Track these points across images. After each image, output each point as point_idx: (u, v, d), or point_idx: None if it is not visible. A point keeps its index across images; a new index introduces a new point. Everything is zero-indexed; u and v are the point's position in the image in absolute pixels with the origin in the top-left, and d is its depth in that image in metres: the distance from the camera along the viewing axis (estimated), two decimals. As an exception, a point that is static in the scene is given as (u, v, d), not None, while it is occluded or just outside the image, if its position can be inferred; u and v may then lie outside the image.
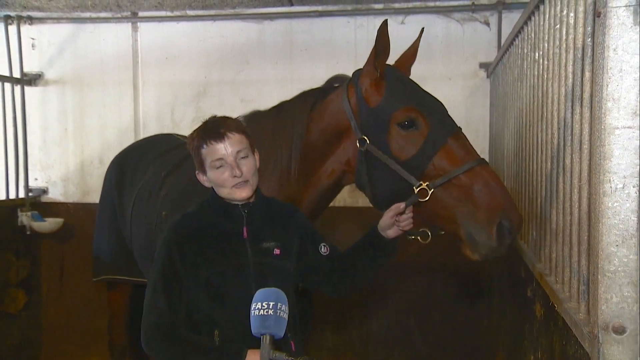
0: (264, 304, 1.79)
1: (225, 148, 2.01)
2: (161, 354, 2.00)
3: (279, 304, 1.80)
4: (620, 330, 1.35)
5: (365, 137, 2.38)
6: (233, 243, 2.09)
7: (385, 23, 2.37)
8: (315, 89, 2.78)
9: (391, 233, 2.19)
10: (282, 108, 2.78)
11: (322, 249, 2.25)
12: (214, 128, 2.04)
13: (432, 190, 2.17)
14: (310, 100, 2.68)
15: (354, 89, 2.51)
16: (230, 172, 2.01)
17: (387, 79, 2.44)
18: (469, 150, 2.28)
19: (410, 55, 2.72)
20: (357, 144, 2.41)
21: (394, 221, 2.17)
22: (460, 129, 2.35)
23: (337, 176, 2.60)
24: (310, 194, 2.66)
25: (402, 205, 2.14)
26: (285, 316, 1.81)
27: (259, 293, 1.84)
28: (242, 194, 2.05)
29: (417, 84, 2.51)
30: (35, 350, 4.86)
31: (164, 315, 1.98)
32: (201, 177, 2.12)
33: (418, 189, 2.18)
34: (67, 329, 4.84)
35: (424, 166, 2.23)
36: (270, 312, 1.78)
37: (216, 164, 2.02)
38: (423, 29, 2.74)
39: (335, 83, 2.74)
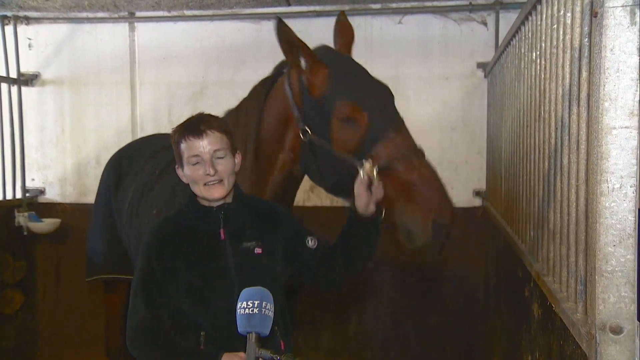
0: (249, 303, 1.80)
1: (203, 145, 2.01)
2: (143, 356, 2.03)
3: (263, 302, 1.80)
4: (617, 330, 1.35)
5: (308, 128, 2.41)
6: (211, 245, 2.09)
7: (279, 23, 2.43)
8: (267, 77, 2.76)
9: (370, 208, 2.11)
10: (241, 103, 2.78)
11: (310, 242, 2.23)
12: (195, 124, 2.05)
13: (375, 168, 2.10)
14: (263, 90, 2.67)
15: (297, 76, 2.49)
16: (204, 169, 2.02)
17: (330, 66, 2.43)
18: (408, 144, 2.31)
19: (349, 36, 2.77)
20: (300, 135, 2.42)
21: (366, 193, 2.08)
22: (402, 121, 2.38)
23: (287, 169, 2.59)
24: (268, 191, 2.63)
25: (361, 175, 2.07)
26: (271, 314, 1.81)
27: (244, 292, 1.85)
28: (214, 193, 2.05)
29: (361, 69, 2.50)
30: (31, 351, 4.85)
31: (144, 320, 2.01)
32: (180, 172, 2.13)
33: (362, 166, 2.11)
34: (63, 330, 4.83)
35: (363, 158, 2.20)
36: (255, 310, 1.78)
37: (192, 160, 2.03)
38: (343, 12, 2.84)
39: (283, 68, 2.69)
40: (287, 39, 2.43)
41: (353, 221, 2.17)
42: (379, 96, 2.41)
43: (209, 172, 2.01)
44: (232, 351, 1.91)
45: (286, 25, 2.42)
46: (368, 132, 2.30)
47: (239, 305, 1.82)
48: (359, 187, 2.08)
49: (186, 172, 2.07)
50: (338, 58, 2.54)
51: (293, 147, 2.51)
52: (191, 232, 2.10)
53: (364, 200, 2.08)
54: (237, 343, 1.84)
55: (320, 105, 2.40)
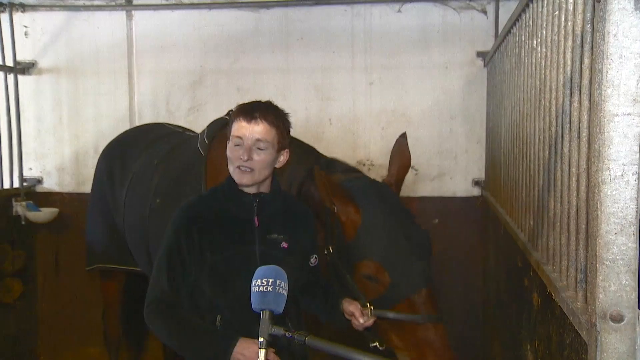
0: (263, 281, 1.83)
1: (249, 130, 2.04)
2: (159, 328, 2.07)
3: (278, 280, 1.84)
4: (618, 319, 1.34)
5: (331, 249, 2.49)
6: (243, 231, 2.13)
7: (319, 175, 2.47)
8: (312, 156, 2.83)
9: (346, 315, 2.34)
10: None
11: (312, 260, 2.35)
12: (251, 109, 2.09)
13: (374, 317, 2.30)
14: (304, 168, 2.71)
15: (333, 214, 2.52)
16: (241, 153, 2.04)
17: (366, 214, 2.45)
18: (429, 305, 2.36)
19: (404, 165, 2.75)
20: (325, 250, 2.50)
21: (349, 314, 2.32)
22: (430, 283, 2.40)
23: None
24: None
25: (361, 319, 2.28)
26: (285, 292, 1.84)
27: (259, 270, 1.88)
28: (242, 179, 2.08)
29: (400, 217, 2.50)
30: (31, 340, 4.86)
31: (165, 293, 2.05)
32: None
33: (363, 308, 2.30)
34: (63, 319, 4.83)
35: (380, 308, 2.34)
36: (270, 288, 1.81)
37: (235, 140, 2.07)
38: (405, 134, 2.80)
39: (332, 167, 2.74)
40: (327, 188, 2.46)
41: (332, 301, 2.37)
42: (409, 253, 2.40)
43: (243, 157, 2.04)
44: (248, 336, 1.93)
45: (324, 176, 2.47)
46: (389, 292, 2.36)
47: (253, 282, 1.85)
48: (349, 312, 2.29)
49: (228, 149, 2.11)
50: (377, 204, 2.51)
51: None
52: (223, 214, 2.15)
53: (353, 323, 2.32)
54: (254, 328, 1.85)
55: (349, 248, 2.45)
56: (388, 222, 2.45)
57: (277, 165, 2.17)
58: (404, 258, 2.38)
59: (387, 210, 2.49)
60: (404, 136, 2.79)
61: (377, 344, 2.44)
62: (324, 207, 2.54)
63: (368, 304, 2.32)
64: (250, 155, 2.04)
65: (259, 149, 2.05)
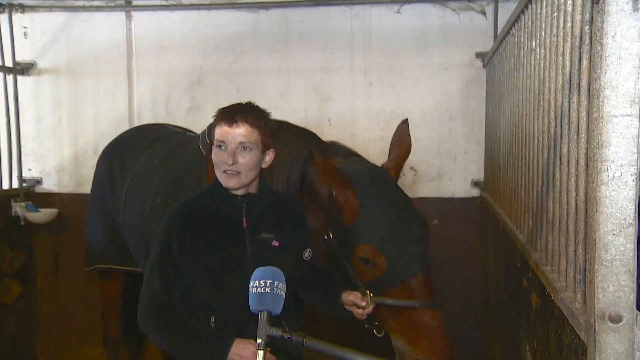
0: (261, 282, 1.83)
1: (232, 134, 2.04)
2: (152, 332, 2.06)
3: (275, 282, 1.84)
4: (616, 319, 1.34)
5: (331, 234, 2.50)
6: (232, 232, 2.13)
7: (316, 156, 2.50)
8: (312, 140, 2.82)
9: (346, 307, 2.34)
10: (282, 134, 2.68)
11: (306, 254, 2.34)
12: (232, 112, 2.08)
13: (373, 304, 2.31)
14: (304, 152, 2.71)
15: (332, 199, 2.53)
16: (226, 157, 2.04)
17: (364, 199, 2.47)
18: (425, 291, 2.38)
19: (404, 150, 2.76)
20: (325, 235, 2.51)
21: (350, 304, 2.32)
22: (427, 268, 2.43)
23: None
24: None
25: (362, 303, 2.28)
26: (282, 293, 1.85)
27: (257, 271, 1.88)
28: (228, 182, 2.08)
29: (398, 202, 2.52)
30: (30, 341, 4.85)
31: (158, 297, 2.05)
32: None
33: (363, 296, 2.31)
34: (62, 320, 4.83)
35: (376, 292, 2.35)
36: (267, 289, 1.82)
37: (219, 144, 2.06)
38: (406, 120, 2.80)
39: (332, 151, 2.75)
40: (325, 172, 2.49)
41: (333, 294, 2.37)
42: (406, 238, 2.42)
43: (228, 161, 2.03)
44: (242, 336, 1.93)
45: (322, 158, 2.50)
46: (385, 276, 2.38)
47: (251, 284, 1.85)
48: (350, 301, 2.30)
49: (212, 154, 2.11)
50: (376, 189, 2.52)
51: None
52: (213, 215, 2.14)
53: (355, 312, 2.32)
54: (248, 328, 1.86)
55: (347, 232, 2.46)
56: (385, 206, 2.47)
57: (264, 166, 2.17)
58: (400, 242, 2.40)
59: (385, 195, 2.51)
60: (405, 122, 2.80)
61: (375, 330, 2.47)
62: (323, 191, 2.55)
63: (367, 292, 2.32)
64: (235, 158, 2.03)
65: (243, 150, 2.05)
